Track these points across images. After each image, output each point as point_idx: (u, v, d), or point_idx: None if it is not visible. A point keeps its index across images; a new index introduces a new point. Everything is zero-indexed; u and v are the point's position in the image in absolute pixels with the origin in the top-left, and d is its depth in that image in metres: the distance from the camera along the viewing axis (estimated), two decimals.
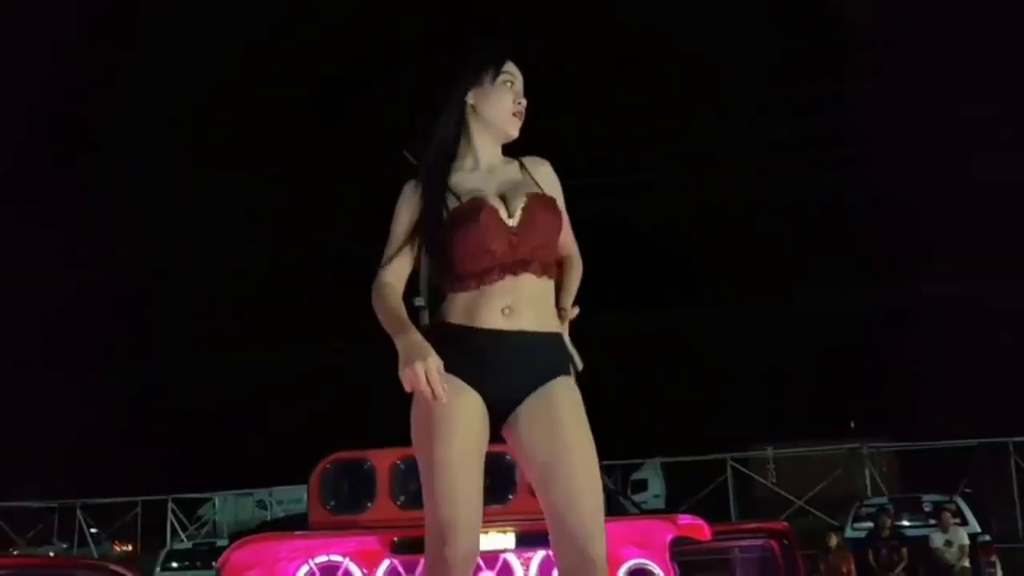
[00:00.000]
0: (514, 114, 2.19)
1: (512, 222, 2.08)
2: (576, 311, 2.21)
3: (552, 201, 2.16)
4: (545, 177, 2.23)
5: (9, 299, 24.01)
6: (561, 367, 2.13)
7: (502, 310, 2.06)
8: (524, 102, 2.21)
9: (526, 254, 2.07)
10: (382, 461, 4.55)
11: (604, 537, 2.01)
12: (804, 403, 24.60)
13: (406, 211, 2.16)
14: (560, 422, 2.05)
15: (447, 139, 2.19)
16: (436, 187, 2.14)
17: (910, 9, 23.84)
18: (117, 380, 25.04)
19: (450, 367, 2.01)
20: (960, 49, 23.82)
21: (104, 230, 25.87)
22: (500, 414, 2.09)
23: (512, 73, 2.19)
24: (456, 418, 2.02)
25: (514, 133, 2.21)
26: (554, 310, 2.16)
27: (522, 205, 2.10)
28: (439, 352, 1.99)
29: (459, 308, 2.08)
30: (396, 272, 2.13)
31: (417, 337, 1.99)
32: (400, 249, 2.14)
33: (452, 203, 2.11)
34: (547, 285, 2.13)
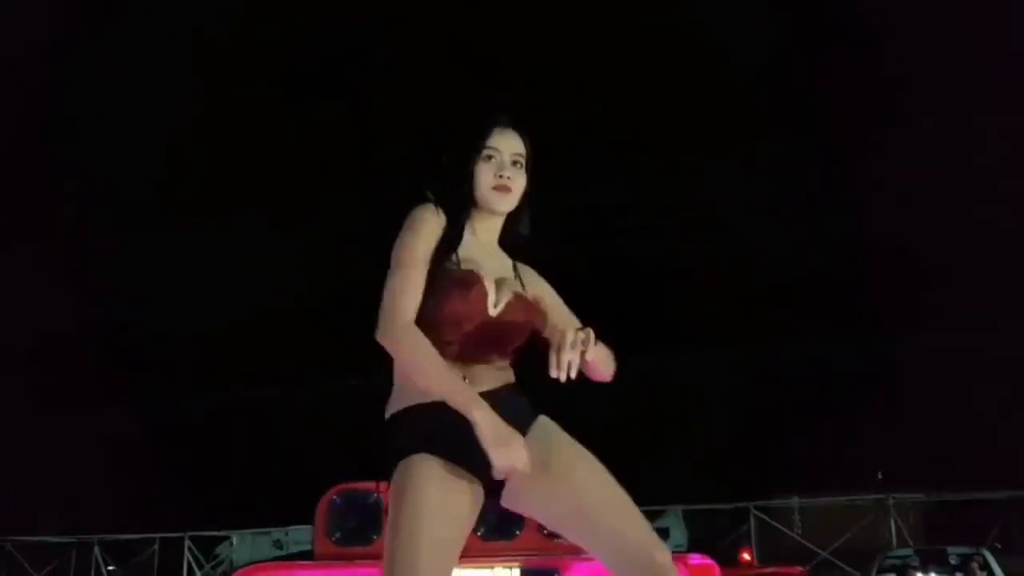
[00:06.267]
0: (495, 188, 2.12)
1: (493, 312, 2.06)
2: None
3: (533, 306, 2.14)
4: (532, 282, 2.23)
5: (27, 333, 24.28)
6: (531, 411, 2.11)
7: (462, 378, 2.02)
8: (507, 175, 2.13)
9: (488, 347, 2.06)
10: (389, 493, 4.50)
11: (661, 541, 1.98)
12: (830, 452, 24.25)
13: (425, 236, 2.07)
14: (562, 462, 2.02)
15: (456, 218, 2.15)
16: (451, 243, 2.09)
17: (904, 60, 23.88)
18: (138, 416, 25.15)
19: (433, 448, 1.97)
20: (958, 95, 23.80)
21: (122, 266, 26.16)
22: (494, 485, 2.03)
23: (494, 147, 2.14)
24: (434, 504, 1.94)
25: (498, 208, 2.16)
26: (508, 367, 2.15)
27: (507, 299, 2.08)
28: (412, 436, 1.99)
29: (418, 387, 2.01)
30: (415, 310, 2.02)
31: (494, 415, 1.91)
32: (417, 276, 2.04)
33: (450, 265, 2.06)
34: (504, 374, 2.13)
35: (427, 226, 2.07)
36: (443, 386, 1.93)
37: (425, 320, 2.01)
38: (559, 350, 1.90)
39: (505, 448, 1.86)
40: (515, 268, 2.23)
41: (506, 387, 2.11)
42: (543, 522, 2.10)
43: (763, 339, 23.90)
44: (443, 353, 1.99)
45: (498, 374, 2.11)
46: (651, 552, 1.94)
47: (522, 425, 2.03)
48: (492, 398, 2.00)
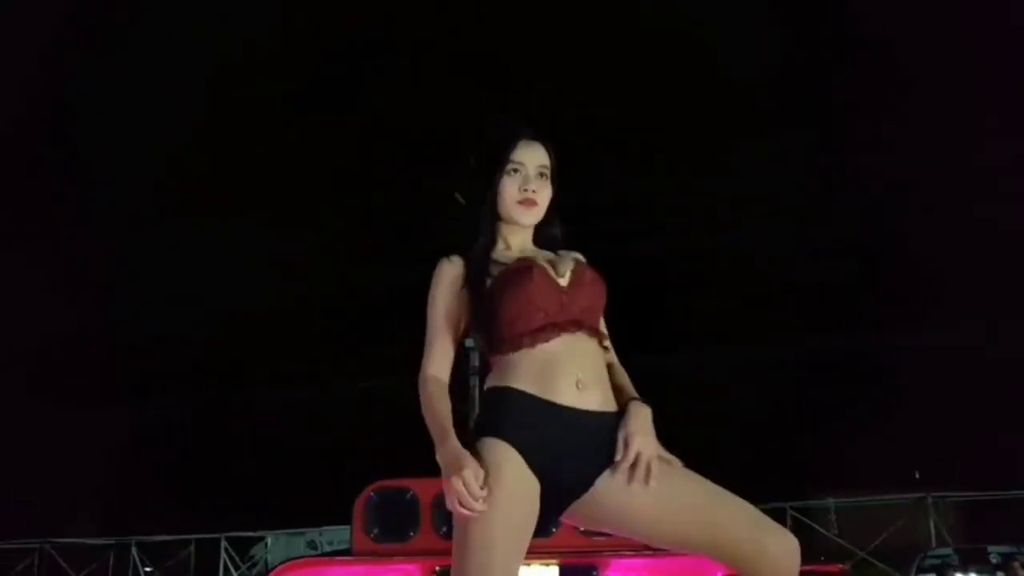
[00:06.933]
0: (519, 202, 2.13)
1: (563, 281, 2.06)
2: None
3: (597, 272, 2.15)
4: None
5: (60, 333, 24.54)
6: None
7: (576, 383, 1.98)
8: (533, 188, 2.13)
9: (576, 314, 2.03)
10: (425, 490, 4.50)
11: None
12: (866, 451, 23.99)
13: (444, 291, 2.10)
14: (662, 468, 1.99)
15: (485, 230, 2.16)
16: (480, 260, 2.10)
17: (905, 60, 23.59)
18: (176, 417, 25.37)
19: (515, 441, 1.92)
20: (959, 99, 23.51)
21: (148, 262, 26.42)
22: (561, 500, 1.97)
23: (519, 161, 2.14)
24: (504, 492, 1.87)
25: (523, 221, 2.17)
26: (604, 351, 2.12)
27: (571, 268, 2.09)
28: (504, 421, 1.93)
29: (528, 372, 1.98)
30: (440, 363, 2.06)
31: (456, 446, 1.89)
32: (441, 334, 2.07)
33: (498, 269, 2.07)
34: (602, 353, 2.09)
35: (445, 275, 2.11)
36: (432, 424, 1.98)
37: (508, 316, 2.01)
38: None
39: (451, 481, 1.84)
40: (558, 255, 2.22)
41: (612, 416, 2.04)
42: (638, 537, 2.03)
43: (798, 341, 23.72)
44: (544, 339, 1.99)
45: (608, 395, 2.06)
46: (763, 538, 1.95)
47: (601, 463, 1.98)
48: (595, 422, 2.00)
